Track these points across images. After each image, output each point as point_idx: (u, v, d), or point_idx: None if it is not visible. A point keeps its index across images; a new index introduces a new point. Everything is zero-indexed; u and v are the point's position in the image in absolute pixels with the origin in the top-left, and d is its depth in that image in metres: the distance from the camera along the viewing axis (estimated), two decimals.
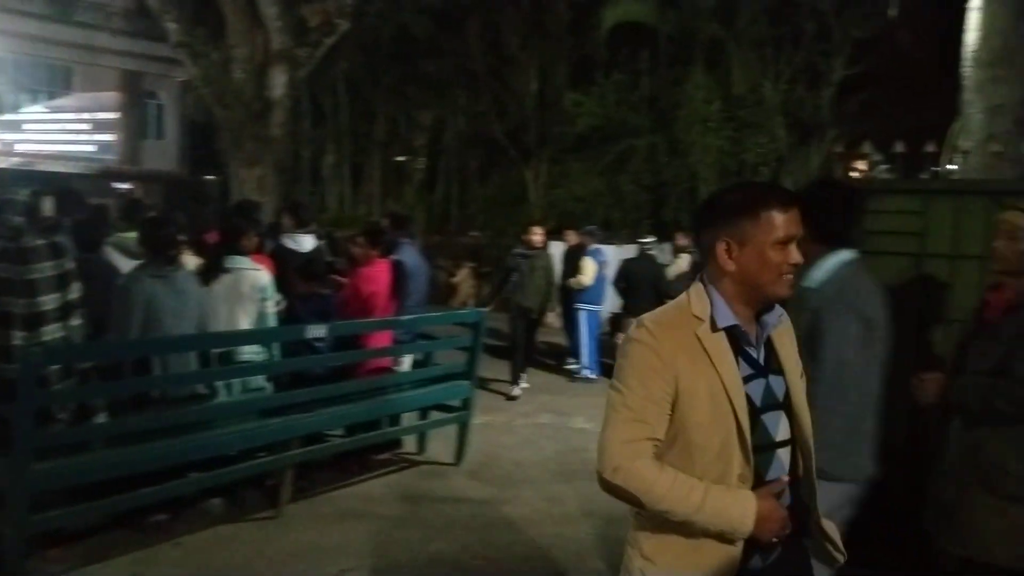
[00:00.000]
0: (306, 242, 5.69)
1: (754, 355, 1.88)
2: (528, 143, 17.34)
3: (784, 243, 1.80)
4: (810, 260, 2.59)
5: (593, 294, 9.02)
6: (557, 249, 9.42)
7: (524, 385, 8.26)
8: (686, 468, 1.81)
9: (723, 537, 1.79)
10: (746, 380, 1.84)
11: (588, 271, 8.80)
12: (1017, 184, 3.30)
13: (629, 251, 9.80)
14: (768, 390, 1.88)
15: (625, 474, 1.80)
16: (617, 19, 15.52)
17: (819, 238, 2.58)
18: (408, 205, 21.41)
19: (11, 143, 21.67)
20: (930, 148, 3.94)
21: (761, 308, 1.88)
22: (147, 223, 4.70)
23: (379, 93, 22.39)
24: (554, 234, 9.90)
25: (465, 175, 21.75)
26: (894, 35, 9.02)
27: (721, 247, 1.83)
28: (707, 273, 1.89)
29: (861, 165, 4.34)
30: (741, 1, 14.39)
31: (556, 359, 9.96)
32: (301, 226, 5.79)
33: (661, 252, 10.84)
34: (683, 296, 1.91)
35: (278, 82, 12.21)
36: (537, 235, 8.33)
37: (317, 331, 4.60)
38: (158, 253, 4.36)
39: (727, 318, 1.83)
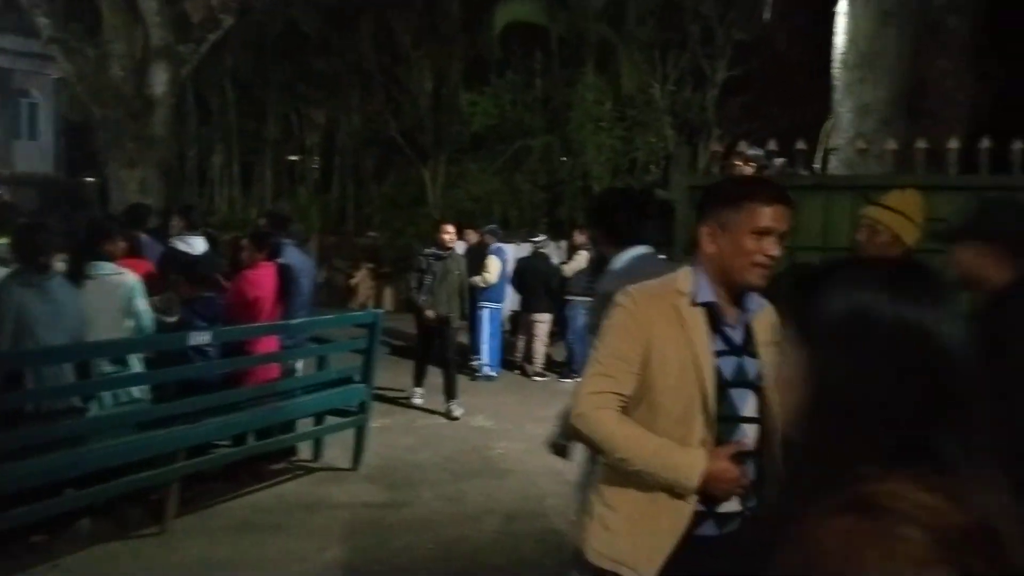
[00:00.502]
0: (198, 244, 5.48)
1: (730, 334, 2.03)
2: (424, 143, 17.26)
3: (760, 234, 1.93)
4: (608, 258, 2.89)
5: (495, 292, 9.06)
6: (459, 249, 9.40)
7: (421, 391, 7.76)
8: (650, 427, 1.96)
9: (674, 491, 1.92)
10: (719, 355, 1.99)
11: (493, 269, 8.82)
12: (880, 179, 3.49)
13: (525, 250, 9.88)
14: (740, 368, 2.02)
15: (586, 421, 1.99)
16: (508, 19, 15.62)
17: (609, 239, 2.91)
18: (302, 205, 20.95)
19: None
20: (801, 146, 4.11)
21: (740, 293, 2.02)
22: (19, 229, 4.43)
23: (269, 91, 21.81)
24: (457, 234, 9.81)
25: (361, 175, 21.45)
26: (772, 39, 9.47)
27: (706, 231, 1.99)
28: (696, 256, 2.05)
29: (739, 163, 4.51)
30: (629, 4, 14.76)
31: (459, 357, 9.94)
32: (192, 228, 5.57)
33: (558, 250, 11.00)
34: (673, 273, 2.08)
35: (159, 80, 11.69)
36: (449, 234, 7.84)
37: (201, 337, 4.42)
38: (30, 260, 4.11)
39: (706, 295, 1.98)
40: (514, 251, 10.18)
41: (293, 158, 24.88)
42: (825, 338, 0.95)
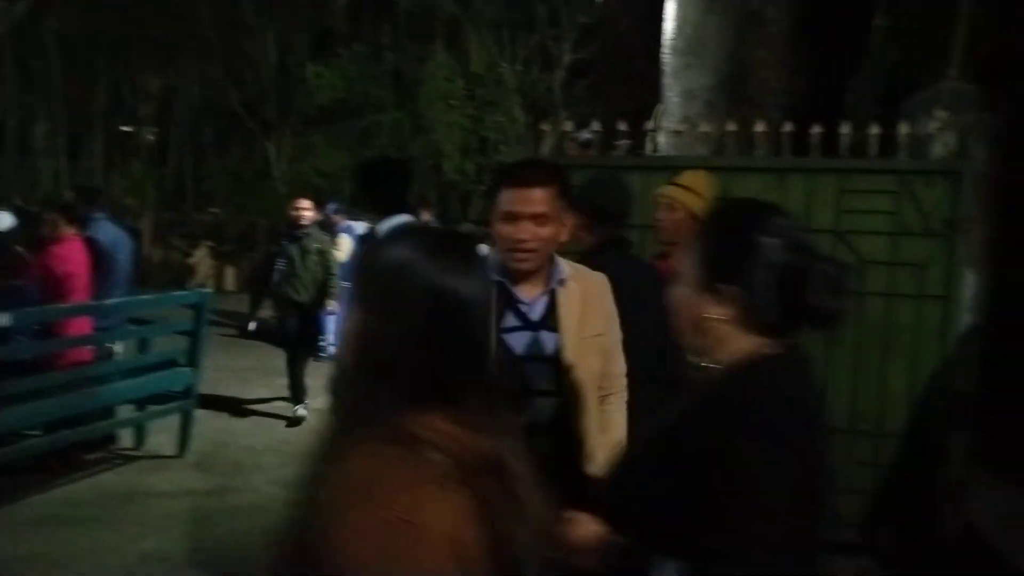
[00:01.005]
0: (3, 220, 4.99)
1: (525, 310, 2.04)
2: (268, 115, 16.57)
3: (508, 219, 1.96)
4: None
5: (346, 271, 8.82)
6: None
7: (307, 404, 6.59)
8: None
9: None
10: (510, 330, 2.01)
11: (344, 247, 8.57)
12: (690, 161, 3.63)
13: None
14: (535, 342, 2.03)
15: None
16: None
17: (375, 208, 3.08)
18: (136, 180, 19.69)
19: None
20: (624, 128, 4.24)
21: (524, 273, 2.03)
22: None
23: (99, 56, 20.20)
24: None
25: (200, 148, 20.38)
26: (614, 21, 9.70)
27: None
28: None
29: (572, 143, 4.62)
30: None
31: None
32: None
33: None
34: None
35: None
36: (306, 210, 6.84)
37: (2, 319, 4.02)
38: None
39: (495, 275, 1.95)
40: (366, 229, 9.97)
41: (126, 129, 23.27)
42: (370, 295, 1.08)
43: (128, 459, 5.45)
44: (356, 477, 0.95)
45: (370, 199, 3.05)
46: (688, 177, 3.14)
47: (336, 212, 9.27)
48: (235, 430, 6.25)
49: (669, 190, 3.11)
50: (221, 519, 4.49)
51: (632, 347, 2.24)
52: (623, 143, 4.37)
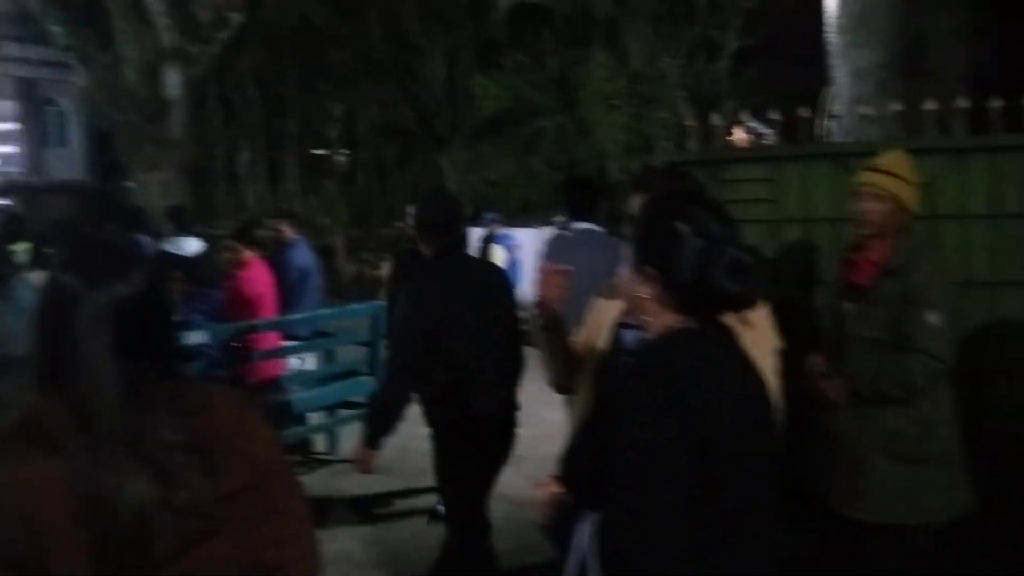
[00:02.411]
0: (190, 245, 5.56)
1: None
2: (440, 129, 17.25)
3: None
4: None
5: None
6: (474, 235, 9.40)
7: None
8: None
9: None
10: (626, 327, 2.26)
11: (497, 257, 8.82)
12: (859, 146, 3.39)
13: (547, 233, 9.83)
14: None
15: None
16: (513, 2, 15.51)
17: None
18: (330, 200, 21.12)
19: None
20: (804, 114, 3.99)
21: None
22: None
23: (288, 86, 21.94)
24: (473, 220, 9.72)
25: (383, 165, 21.53)
26: (779, 4, 9.24)
27: None
28: None
29: (740, 133, 4.42)
30: None
31: None
32: (182, 230, 5.65)
33: None
34: None
35: (173, 81, 11.85)
36: None
37: (199, 336, 4.49)
38: None
39: None
40: (533, 235, 10.13)
41: (317, 152, 25.03)
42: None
43: (323, 463, 5.85)
44: None
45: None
46: (889, 160, 2.82)
47: (493, 222, 9.48)
48: (418, 435, 6.53)
49: (873, 178, 2.79)
50: (407, 521, 4.73)
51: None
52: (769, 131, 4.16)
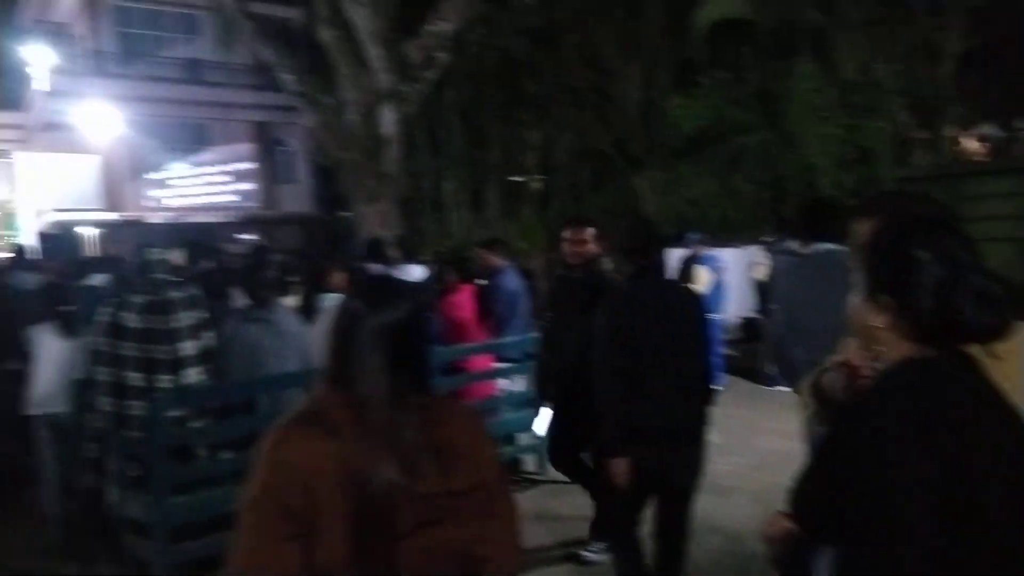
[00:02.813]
0: (415, 272, 5.92)
1: None
2: (636, 151, 17.22)
3: None
4: None
5: (710, 302, 8.85)
6: (674, 256, 9.28)
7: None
8: None
9: None
10: None
11: (702, 280, 8.63)
12: None
13: (752, 253, 9.53)
14: None
15: None
16: (713, 19, 15.20)
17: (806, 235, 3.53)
18: (527, 225, 21.70)
19: (160, 199, 23.62)
20: None
21: None
22: (245, 270, 5.01)
23: (488, 118, 22.86)
24: (676, 241, 9.48)
25: (578, 189, 21.82)
26: (1012, 2, 8.29)
27: None
28: None
29: (972, 143, 4.02)
30: None
31: None
32: (408, 257, 6.03)
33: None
34: None
35: (388, 120, 12.73)
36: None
37: None
38: (254, 296, 4.61)
39: None
40: (737, 255, 9.85)
41: (516, 179, 25.86)
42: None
43: (533, 483, 6.00)
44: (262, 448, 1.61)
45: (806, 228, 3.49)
46: None
47: (698, 242, 9.28)
48: None
49: None
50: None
51: None
52: None
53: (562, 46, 17.23)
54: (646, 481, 3.50)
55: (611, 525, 3.92)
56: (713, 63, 15.73)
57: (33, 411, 4.89)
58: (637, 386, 3.38)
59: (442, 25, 12.53)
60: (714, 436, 6.71)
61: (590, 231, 4.31)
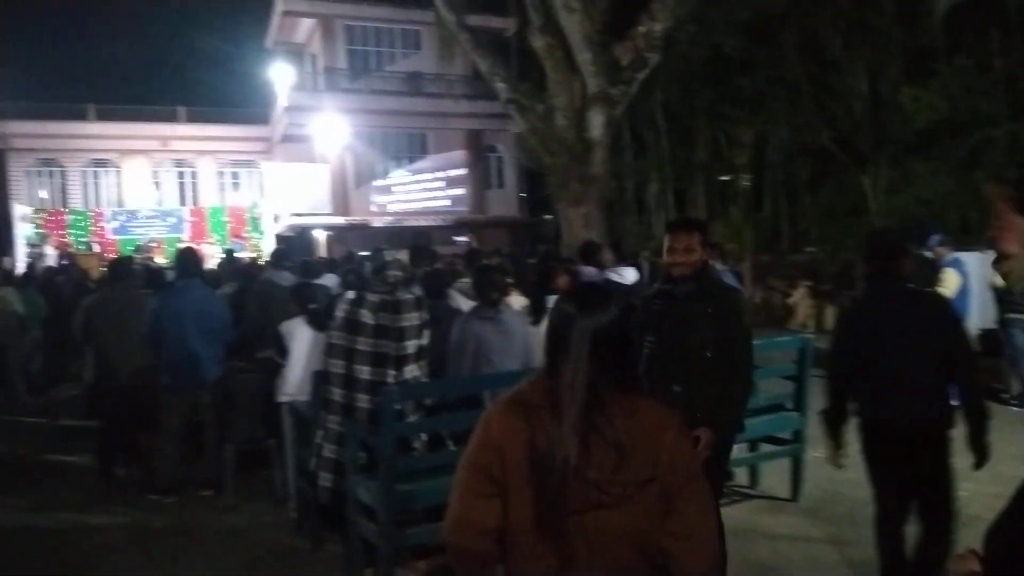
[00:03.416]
0: (628, 274, 5.88)
1: None
2: (862, 147, 16.07)
3: None
4: None
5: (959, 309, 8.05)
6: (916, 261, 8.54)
7: None
8: None
9: None
10: None
11: (951, 284, 7.84)
12: None
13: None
14: None
15: None
16: (953, 0, 13.83)
17: None
18: (735, 225, 20.99)
19: (384, 204, 25.32)
20: None
21: None
22: (477, 271, 5.21)
23: (696, 117, 22.33)
24: (918, 243, 8.74)
25: (793, 188, 20.76)
26: None
27: None
28: None
29: None
30: None
31: None
32: (622, 260, 5.99)
33: None
34: None
35: (596, 123, 12.77)
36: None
37: None
38: (484, 297, 4.80)
39: None
40: (979, 260, 8.89)
41: (724, 178, 25.09)
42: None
43: (744, 497, 5.76)
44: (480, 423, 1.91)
45: None
46: None
47: (941, 244, 8.48)
48: (847, 479, 6.10)
49: None
50: (836, 570, 4.45)
51: None
52: None
53: (779, 39, 16.45)
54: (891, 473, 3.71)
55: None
56: (952, 50, 14.34)
57: (281, 399, 5.39)
58: (878, 383, 3.59)
59: (652, 25, 12.38)
60: (954, 459, 6.15)
61: (698, 236, 3.63)
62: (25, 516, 5.80)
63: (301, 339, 5.29)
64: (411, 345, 4.48)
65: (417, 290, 4.69)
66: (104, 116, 29.53)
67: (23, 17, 58.93)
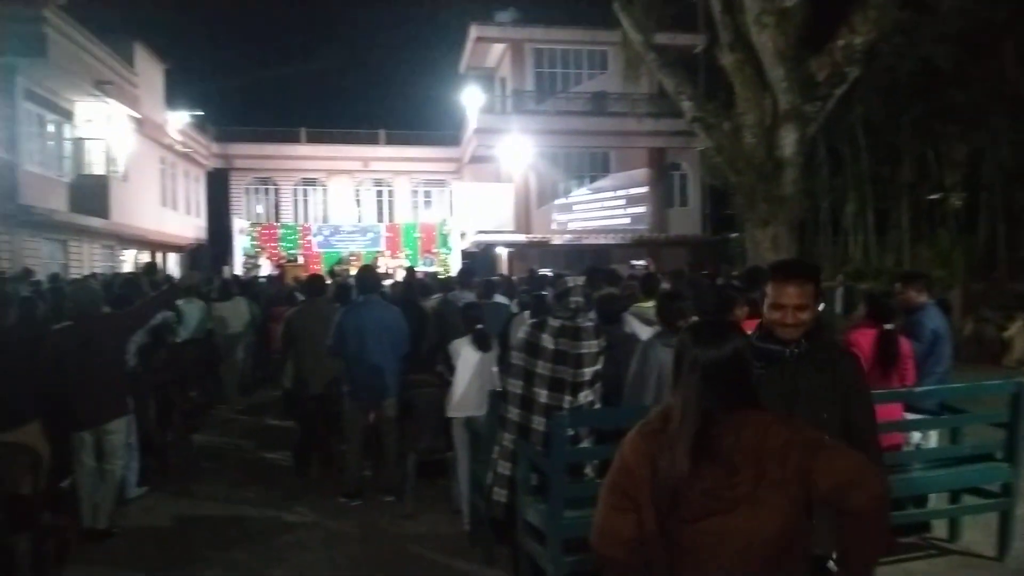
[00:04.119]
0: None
1: None
2: None
3: None
4: None
5: None
6: None
7: None
8: None
9: None
10: None
11: None
12: None
13: None
14: None
15: None
16: None
17: None
18: (943, 250, 19.34)
19: (565, 223, 25.61)
20: None
21: None
22: (662, 296, 5.11)
23: (901, 133, 20.80)
24: None
25: (1013, 211, 18.81)
26: None
27: None
28: None
29: None
30: None
31: None
32: None
33: None
34: None
35: (787, 141, 12.24)
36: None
37: None
38: (670, 324, 4.69)
39: None
40: None
41: (932, 197, 23.16)
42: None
43: (941, 551, 5.27)
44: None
45: None
46: None
47: None
48: None
49: None
50: None
51: None
52: None
53: (998, 50, 15.01)
54: None
55: None
56: None
57: (452, 414, 5.59)
58: None
59: (852, 38, 11.70)
60: None
61: (812, 288, 2.79)
62: (232, 507, 6.37)
63: (466, 358, 5.45)
64: (588, 372, 4.49)
65: (593, 316, 4.70)
66: (314, 139, 32.14)
67: (243, 51, 65.33)
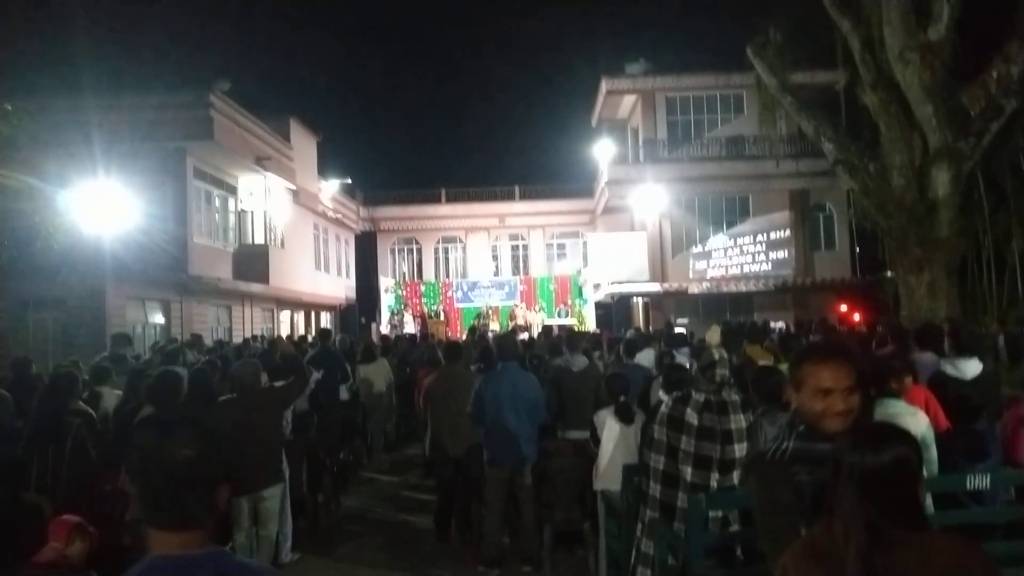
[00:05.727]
0: (969, 368, 5.15)
1: None
2: None
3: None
4: None
5: None
6: None
7: None
8: None
9: None
10: None
11: None
12: None
13: None
14: None
15: None
16: None
17: None
18: None
19: (703, 271, 25.07)
20: None
21: None
22: (757, 373, 4.74)
23: None
24: None
25: None
26: None
27: None
28: None
29: None
30: None
31: None
32: (962, 350, 5.26)
33: None
34: None
35: (940, 181, 11.55)
36: None
37: (978, 481, 4.06)
38: (771, 400, 4.33)
39: None
40: None
41: None
42: None
43: None
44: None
45: None
46: None
47: None
48: None
49: None
50: None
51: None
52: None
53: None
54: None
55: None
56: None
57: (599, 487, 5.51)
58: None
59: (1007, 68, 10.97)
60: None
61: (854, 369, 2.38)
62: (378, 571, 6.54)
63: (610, 430, 5.39)
64: (738, 448, 4.26)
65: (743, 392, 4.48)
66: (453, 198, 33.30)
67: (386, 117, 68.85)
